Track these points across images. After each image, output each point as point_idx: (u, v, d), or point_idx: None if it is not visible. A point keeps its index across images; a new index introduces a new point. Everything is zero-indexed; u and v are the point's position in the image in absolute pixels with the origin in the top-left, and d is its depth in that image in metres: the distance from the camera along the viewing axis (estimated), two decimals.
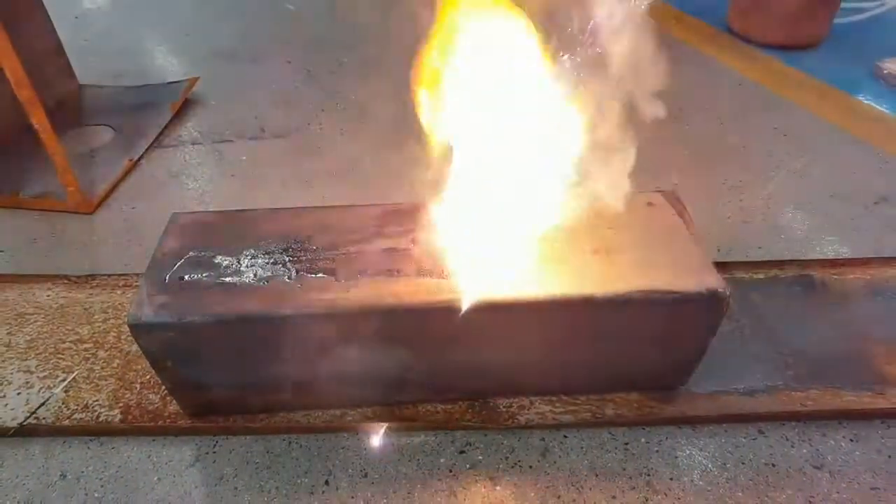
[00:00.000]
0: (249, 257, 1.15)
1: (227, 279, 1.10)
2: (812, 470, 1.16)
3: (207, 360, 1.13)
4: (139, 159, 2.07)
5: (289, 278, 1.10)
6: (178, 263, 1.13)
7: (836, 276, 1.52)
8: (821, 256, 1.61)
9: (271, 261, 1.14)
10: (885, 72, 2.40)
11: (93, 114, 2.33)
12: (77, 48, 2.47)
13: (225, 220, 1.24)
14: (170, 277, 1.11)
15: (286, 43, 2.82)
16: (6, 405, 1.29)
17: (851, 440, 1.21)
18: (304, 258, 1.14)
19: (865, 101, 2.30)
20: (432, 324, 1.10)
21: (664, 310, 1.09)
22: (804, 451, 1.19)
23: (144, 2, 3.32)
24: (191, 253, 1.16)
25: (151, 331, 1.06)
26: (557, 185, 1.16)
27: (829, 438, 1.21)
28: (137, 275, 1.58)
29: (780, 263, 1.55)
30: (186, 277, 1.11)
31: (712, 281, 1.07)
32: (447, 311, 1.07)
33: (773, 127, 2.15)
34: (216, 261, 1.14)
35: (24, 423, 1.25)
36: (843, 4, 2.60)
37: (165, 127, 2.22)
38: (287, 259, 1.14)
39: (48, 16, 2.26)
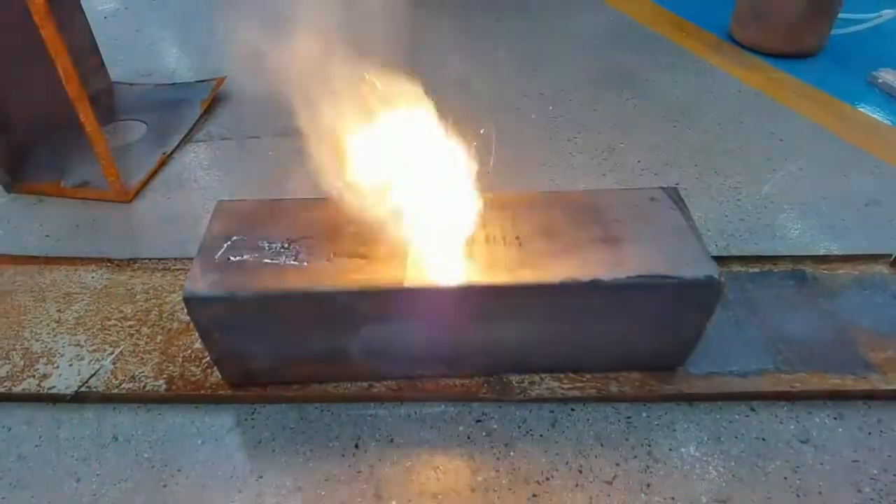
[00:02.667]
0: (289, 241, 1.26)
1: (271, 260, 1.22)
2: (798, 444, 1.27)
3: (251, 333, 1.25)
4: (172, 153, 2.19)
5: (326, 260, 1.22)
6: (226, 245, 1.25)
7: (826, 271, 1.63)
8: (812, 253, 1.71)
9: (309, 244, 1.26)
10: (879, 81, 2.52)
11: (125, 110, 2.45)
12: (107, 46, 2.58)
13: (265, 208, 1.36)
14: (219, 257, 1.23)
15: (306, 45, 2.93)
16: (60, 375, 1.42)
17: (835, 418, 1.32)
18: (339, 242, 1.26)
19: (860, 109, 2.41)
20: (454, 304, 1.22)
21: (664, 293, 1.21)
22: (792, 427, 1.31)
23: (171, 3, 3.45)
24: (236, 237, 1.28)
25: (204, 304, 1.18)
26: None
27: (814, 416, 1.32)
28: (175, 259, 1.70)
29: (774, 259, 1.67)
30: (233, 258, 1.23)
31: (708, 267, 1.19)
32: (468, 292, 1.19)
33: (771, 132, 2.26)
34: (259, 244, 1.26)
35: (78, 391, 1.37)
36: (840, 15, 2.71)
37: (196, 123, 2.34)
38: (324, 243, 1.26)
39: (85, 16, 2.39)
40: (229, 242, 1.26)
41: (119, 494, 1.21)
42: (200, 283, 1.17)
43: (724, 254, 1.70)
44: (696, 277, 1.18)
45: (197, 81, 2.59)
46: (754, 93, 2.52)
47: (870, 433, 1.29)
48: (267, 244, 1.26)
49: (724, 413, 1.33)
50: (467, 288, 1.18)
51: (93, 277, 1.68)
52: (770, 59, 2.75)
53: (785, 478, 1.21)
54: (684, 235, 1.27)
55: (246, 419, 1.33)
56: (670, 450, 1.27)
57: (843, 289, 1.59)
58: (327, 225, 1.30)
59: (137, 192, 2.02)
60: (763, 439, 1.28)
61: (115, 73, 2.60)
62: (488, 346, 1.32)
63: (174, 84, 2.60)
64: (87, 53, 2.42)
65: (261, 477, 1.23)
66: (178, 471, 1.24)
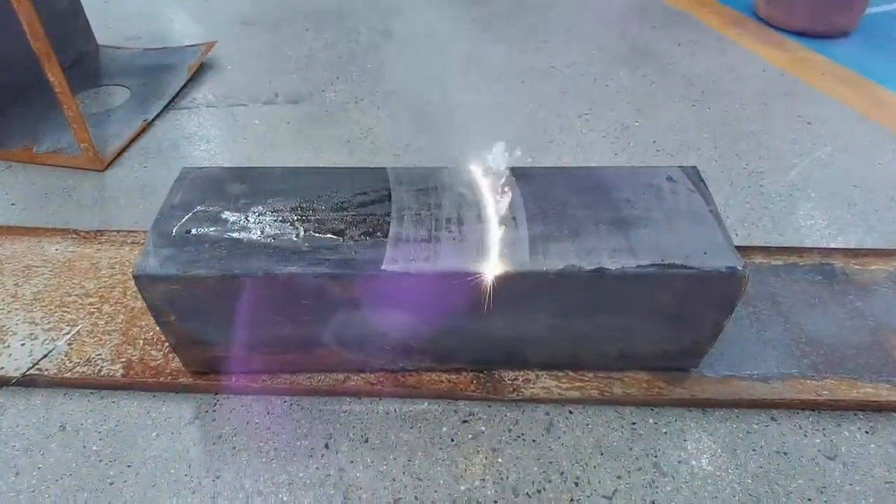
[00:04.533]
0: (257, 214, 1.12)
1: (235, 234, 1.08)
2: (825, 460, 1.13)
3: (211, 316, 1.11)
4: (153, 120, 2.05)
5: (296, 237, 1.08)
6: (186, 217, 1.11)
7: (857, 266, 1.48)
8: (843, 246, 1.56)
9: (279, 219, 1.12)
10: None
11: (109, 74, 2.31)
12: (96, 9, 2.45)
13: (235, 177, 1.22)
14: (177, 230, 1.09)
15: (305, 12, 2.77)
16: (10, 355, 1.29)
17: (867, 432, 1.17)
18: (312, 217, 1.12)
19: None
20: (439, 290, 1.08)
21: (679, 286, 1.06)
22: (817, 440, 1.16)
23: None
24: (199, 207, 1.14)
25: (156, 282, 1.04)
26: None
27: (843, 429, 1.18)
28: (146, 232, 1.56)
29: (800, 251, 1.51)
30: (194, 231, 1.09)
31: (731, 258, 1.04)
32: (456, 277, 1.04)
33: (798, 115, 2.09)
34: (224, 216, 1.12)
35: (27, 374, 1.25)
36: None
37: (181, 89, 2.20)
38: (295, 218, 1.12)
39: None
40: (190, 214, 1.12)
41: (60, 492, 1.08)
42: (152, 258, 1.04)
43: (746, 244, 1.55)
44: (716, 269, 1.03)
45: (185, 46, 2.44)
46: (780, 73, 2.34)
47: None
48: (231, 216, 1.12)
49: (741, 422, 1.19)
50: (453, 273, 1.03)
51: (56, 250, 1.55)
52: (798, 37, 2.57)
53: (809, 499, 1.07)
54: (704, 221, 1.12)
55: (207, 411, 1.20)
56: (679, 462, 1.12)
57: (877, 286, 1.43)
58: (301, 197, 1.16)
59: (113, 161, 1.88)
60: (785, 454, 1.14)
61: (102, 37, 2.47)
62: (478, 338, 1.17)
63: (162, 49, 2.45)
64: (69, 14, 2.28)
65: (217, 477, 1.10)
66: (128, 466, 1.12)
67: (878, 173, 1.83)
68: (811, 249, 1.51)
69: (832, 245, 1.57)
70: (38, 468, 1.12)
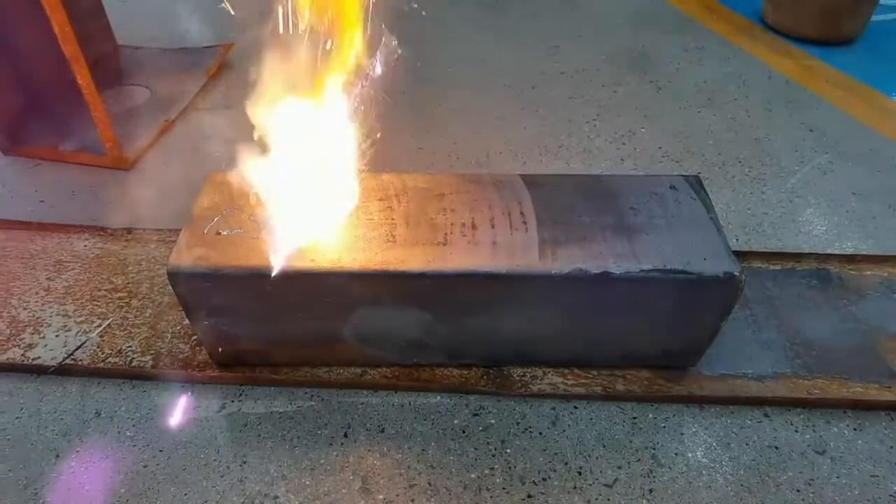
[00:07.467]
0: (283, 216, 1.19)
1: (262, 235, 1.15)
2: (814, 455, 1.20)
3: (238, 312, 1.19)
4: (174, 120, 2.12)
5: (320, 237, 1.15)
6: (216, 218, 1.18)
7: (852, 272, 1.54)
8: (839, 252, 1.62)
9: (303, 220, 1.18)
10: None
11: (130, 74, 2.38)
12: (115, 9, 2.51)
13: (260, 180, 1.28)
14: (207, 231, 1.16)
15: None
16: (46, 345, 1.37)
17: (855, 429, 1.24)
18: (334, 219, 1.19)
19: None
20: (453, 290, 1.14)
21: (680, 290, 1.12)
22: (808, 436, 1.23)
23: None
24: (227, 209, 1.21)
25: (188, 279, 1.11)
26: None
27: (832, 426, 1.24)
28: (171, 230, 1.64)
29: (798, 256, 1.57)
30: (223, 232, 1.16)
31: (729, 263, 1.10)
32: (467, 278, 1.11)
33: (801, 122, 2.15)
34: (252, 218, 1.19)
35: (63, 363, 1.32)
36: (882, 1, 2.56)
37: (200, 90, 2.26)
38: (318, 219, 1.19)
39: None
40: (220, 216, 1.19)
41: (98, 473, 1.16)
42: (185, 257, 1.11)
43: (745, 249, 1.61)
44: (714, 274, 1.10)
45: (204, 47, 2.51)
46: (785, 80, 2.39)
47: (891, 447, 1.21)
48: (259, 218, 1.19)
49: (735, 418, 1.25)
50: (467, 274, 1.10)
51: (85, 246, 1.63)
52: (804, 45, 2.62)
53: (798, 490, 1.14)
54: (705, 228, 1.18)
55: (233, 401, 1.28)
56: (676, 454, 1.19)
57: (870, 291, 1.49)
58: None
59: (137, 160, 1.96)
60: (776, 448, 1.21)
61: (121, 36, 2.53)
62: (489, 336, 1.25)
63: (181, 49, 2.52)
64: (92, 14, 2.35)
65: (244, 462, 1.17)
66: (160, 451, 1.20)
67: (876, 181, 1.88)
68: (808, 255, 1.57)
69: (829, 251, 1.63)
70: (77, 451, 1.20)
